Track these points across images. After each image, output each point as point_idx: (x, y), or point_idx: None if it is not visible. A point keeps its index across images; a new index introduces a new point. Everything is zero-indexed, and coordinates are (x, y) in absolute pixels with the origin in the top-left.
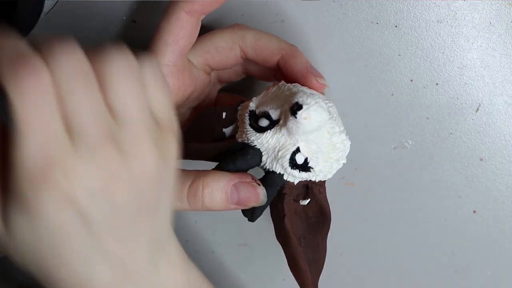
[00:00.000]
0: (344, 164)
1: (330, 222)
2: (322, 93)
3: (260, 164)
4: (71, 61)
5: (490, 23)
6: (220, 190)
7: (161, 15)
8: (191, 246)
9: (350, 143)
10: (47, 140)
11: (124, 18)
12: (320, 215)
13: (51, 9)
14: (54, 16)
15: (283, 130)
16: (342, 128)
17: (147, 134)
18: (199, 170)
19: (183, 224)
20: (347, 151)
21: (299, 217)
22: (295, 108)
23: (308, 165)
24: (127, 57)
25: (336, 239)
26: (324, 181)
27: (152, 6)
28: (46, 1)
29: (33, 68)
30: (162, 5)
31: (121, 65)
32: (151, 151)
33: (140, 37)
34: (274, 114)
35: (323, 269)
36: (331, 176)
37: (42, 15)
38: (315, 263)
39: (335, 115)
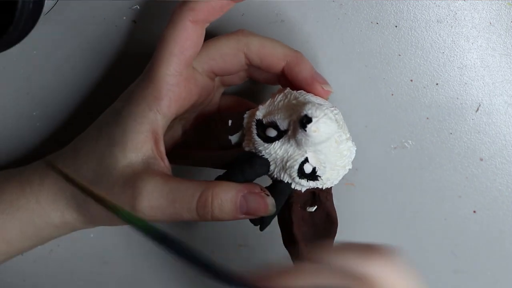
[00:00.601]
0: (349, 169)
1: (336, 227)
2: (327, 99)
3: (267, 173)
4: None
5: (490, 23)
6: (230, 201)
7: (162, 15)
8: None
9: (356, 148)
10: None
11: (124, 18)
12: (327, 221)
13: (51, 9)
14: (54, 16)
15: (292, 141)
16: (348, 135)
17: None
18: (207, 181)
19: (183, 224)
20: (353, 156)
21: (306, 223)
22: (305, 121)
23: (316, 174)
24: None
25: (336, 239)
26: (331, 187)
27: (153, 7)
28: (46, 1)
29: None
30: (163, 5)
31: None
32: None
33: (140, 37)
34: (282, 125)
35: None
36: (337, 182)
37: (42, 15)
38: None
39: (341, 122)
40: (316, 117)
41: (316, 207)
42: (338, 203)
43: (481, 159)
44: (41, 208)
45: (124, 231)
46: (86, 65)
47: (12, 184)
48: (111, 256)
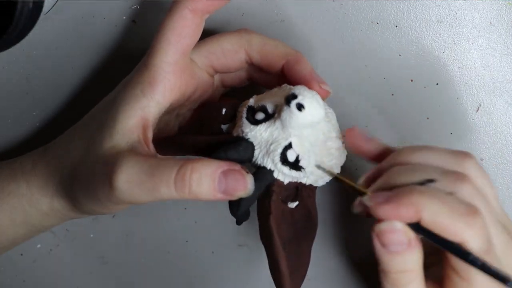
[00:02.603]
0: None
1: (316, 228)
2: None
3: (251, 158)
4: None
5: (491, 23)
6: (209, 176)
7: (161, 15)
8: (191, 246)
9: (346, 153)
10: None
11: (124, 18)
12: (307, 220)
13: (51, 8)
14: (54, 16)
15: (277, 123)
16: (339, 135)
17: None
18: (189, 158)
19: (183, 224)
20: (342, 161)
21: (286, 219)
22: (290, 98)
23: (299, 164)
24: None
25: (336, 238)
26: (315, 187)
27: (152, 6)
28: (46, 1)
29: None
30: (162, 5)
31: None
32: None
33: (140, 37)
34: (270, 108)
35: (322, 270)
36: (323, 183)
37: (42, 15)
38: (297, 269)
39: (333, 121)
40: (303, 95)
41: (297, 203)
42: (338, 202)
43: (481, 159)
44: (31, 194)
45: (124, 231)
46: (86, 65)
47: (5, 170)
48: (111, 256)
